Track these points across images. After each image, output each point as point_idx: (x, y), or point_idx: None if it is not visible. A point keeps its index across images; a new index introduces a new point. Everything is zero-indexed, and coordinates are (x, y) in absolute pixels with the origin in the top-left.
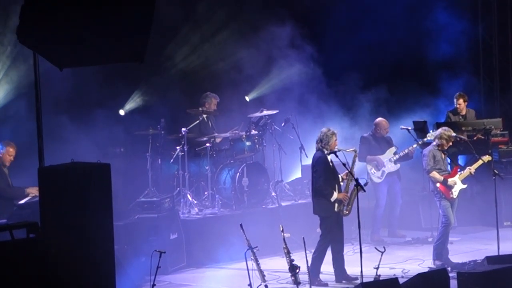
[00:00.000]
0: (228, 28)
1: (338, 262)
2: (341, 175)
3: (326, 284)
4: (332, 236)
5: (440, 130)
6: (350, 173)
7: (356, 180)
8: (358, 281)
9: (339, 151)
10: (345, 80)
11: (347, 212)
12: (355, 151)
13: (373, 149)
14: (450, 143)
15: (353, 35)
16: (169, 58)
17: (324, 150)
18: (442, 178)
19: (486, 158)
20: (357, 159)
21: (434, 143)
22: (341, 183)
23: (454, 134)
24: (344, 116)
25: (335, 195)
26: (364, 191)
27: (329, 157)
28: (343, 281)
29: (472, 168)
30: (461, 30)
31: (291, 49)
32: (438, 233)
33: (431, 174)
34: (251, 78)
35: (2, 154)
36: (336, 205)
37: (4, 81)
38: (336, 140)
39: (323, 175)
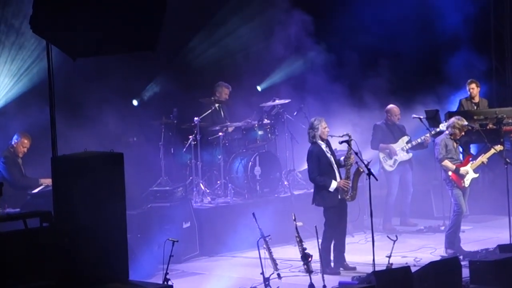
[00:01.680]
0: (240, 18)
1: (337, 250)
2: (341, 159)
3: (338, 273)
4: (334, 225)
5: (452, 119)
6: (348, 158)
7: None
8: (356, 270)
9: (332, 137)
10: (357, 69)
11: (350, 197)
12: (348, 135)
13: (386, 137)
14: (463, 133)
15: (367, 23)
16: (182, 48)
17: (316, 140)
18: (454, 167)
19: (498, 147)
20: (353, 142)
21: (447, 132)
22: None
23: (466, 123)
24: (356, 104)
25: (334, 184)
26: (363, 171)
27: (323, 147)
28: (340, 269)
29: (484, 157)
30: (472, 19)
31: (303, 38)
32: (450, 221)
33: (443, 163)
34: (263, 68)
35: (16, 145)
36: (339, 193)
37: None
38: (325, 127)
39: (316, 168)
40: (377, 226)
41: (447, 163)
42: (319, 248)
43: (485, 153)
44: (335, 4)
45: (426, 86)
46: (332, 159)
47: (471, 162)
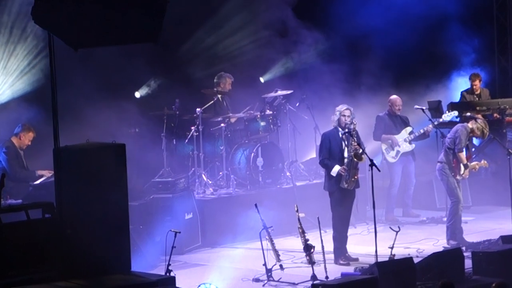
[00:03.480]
0: (243, 9)
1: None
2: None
3: (348, 264)
4: (336, 211)
5: (480, 120)
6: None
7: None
8: (358, 261)
9: (344, 132)
10: (360, 59)
11: (346, 185)
12: (353, 123)
13: (388, 128)
14: (478, 134)
15: (371, 19)
16: (185, 39)
17: (336, 125)
18: (465, 161)
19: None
20: (355, 132)
21: (469, 125)
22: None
23: (485, 131)
24: (358, 96)
25: (336, 168)
26: (360, 160)
27: (339, 133)
28: (342, 257)
29: (479, 164)
30: (475, 10)
31: (305, 30)
32: (448, 213)
33: (460, 154)
34: (266, 59)
35: (21, 137)
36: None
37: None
38: (345, 116)
39: (325, 151)
40: (380, 217)
41: (462, 155)
42: (321, 239)
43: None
44: None
45: (428, 75)
46: (345, 148)
47: (476, 163)
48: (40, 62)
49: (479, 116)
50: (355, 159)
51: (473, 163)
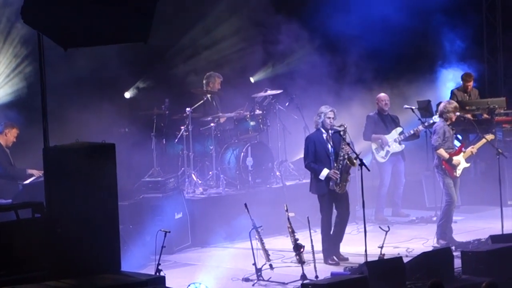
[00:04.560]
0: (233, 9)
1: (333, 240)
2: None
3: (338, 263)
4: (327, 213)
5: (442, 104)
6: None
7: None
8: (348, 261)
9: (334, 132)
10: (349, 58)
11: (338, 188)
12: (344, 126)
13: (379, 128)
14: (457, 113)
15: (359, 19)
16: (175, 39)
17: (319, 127)
18: (447, 156)
19: (489, 136)
20: (348, 135)
21: (443, 118)
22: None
23: (456, 104)
24: (348, 96)
25: (325, 171)
26: (354, 165)
27: (324, 135)
28: (331, 257)
29: (474, 148)
30: (464, 9)
31: (295, 31)
32: (441, 212)
33: (438, 151)
34: (256, 59)
35: (7, 135)
36: (329, 182)
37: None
38: (330, 117)
39: (311, 155)
40: (369, 216)
41: (441, 151)
42: (311, 239)
43: (476, 143)
44: None
45: (417, 76)
46: (331, 150)
47: (463, 152)
48: (24, 71)
49: (468, 115)
50: (348, 163)
51: (469, 148)
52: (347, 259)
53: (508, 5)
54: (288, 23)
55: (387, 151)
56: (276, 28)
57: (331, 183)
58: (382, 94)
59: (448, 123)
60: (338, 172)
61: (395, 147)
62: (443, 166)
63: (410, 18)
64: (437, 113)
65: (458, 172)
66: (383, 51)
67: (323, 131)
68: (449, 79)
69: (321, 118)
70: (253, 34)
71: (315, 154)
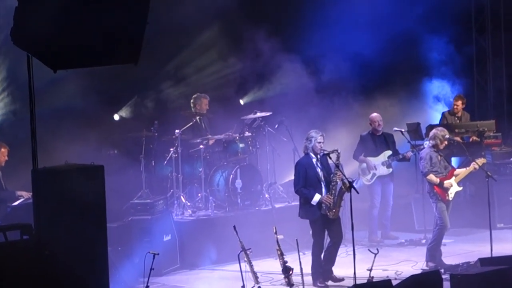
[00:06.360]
0: (222, 31)
1: (326, 262)
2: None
3: (326, 286)
4: (319, 237)
5: (434, 130)
6: (334, 175)
7: (342, 181)
8: (338, 283)
9: (323, 154)
10: (338, 83)
11: (331, 214)
12: (337, 151)
13: (369, 149)
14: (445, 142)
15: (346, 40)
16: (164, 62)
17: (309, 152)
18: (438, 180)
19: (481, 160)
20: (339, 160)
21: (430, 144)
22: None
23: (447, 134)
24: (337, 119)
25: (317, 197)
26: (349, 191)
27: (313, 160)
28: (320, 279)
29: (467, 171)
30: (454, 32)
31: (285, 53)
32: (432, 235)
33: (427, 177)
34: (245, 82)
35: None
36: (321, 208)
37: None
38: (320, 142)
39: (301, 180)
40: (363, 238)
41: (431, 177)
42: (300, 262)
43: (468, 167)
44: (319, 20)
45: (408, 96)
46: (321, 174)
47: (454, 176)
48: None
49: (457, 138)
50: (343, 189)
51: (447, 181)
52: (342, 279)
53: (498, 26)
54: (279, 47)
55: (373, 174)
56: (267, 51)
57: (323, 207)
58: (375, 114)
59: (434, 149)
60: (332, 197)
61: (382, 171)
62: (435, 191)
63: (400, 37)
64: (427, 137)
65: (451, 195)
66: (372, 70)
67: (313, 155)
68: (438, 102)
69: (312, 143)
70: (243, 57)
71: (306, 179)
